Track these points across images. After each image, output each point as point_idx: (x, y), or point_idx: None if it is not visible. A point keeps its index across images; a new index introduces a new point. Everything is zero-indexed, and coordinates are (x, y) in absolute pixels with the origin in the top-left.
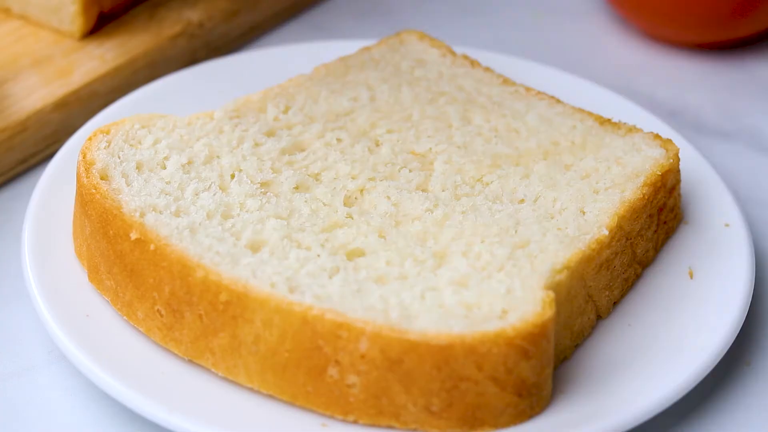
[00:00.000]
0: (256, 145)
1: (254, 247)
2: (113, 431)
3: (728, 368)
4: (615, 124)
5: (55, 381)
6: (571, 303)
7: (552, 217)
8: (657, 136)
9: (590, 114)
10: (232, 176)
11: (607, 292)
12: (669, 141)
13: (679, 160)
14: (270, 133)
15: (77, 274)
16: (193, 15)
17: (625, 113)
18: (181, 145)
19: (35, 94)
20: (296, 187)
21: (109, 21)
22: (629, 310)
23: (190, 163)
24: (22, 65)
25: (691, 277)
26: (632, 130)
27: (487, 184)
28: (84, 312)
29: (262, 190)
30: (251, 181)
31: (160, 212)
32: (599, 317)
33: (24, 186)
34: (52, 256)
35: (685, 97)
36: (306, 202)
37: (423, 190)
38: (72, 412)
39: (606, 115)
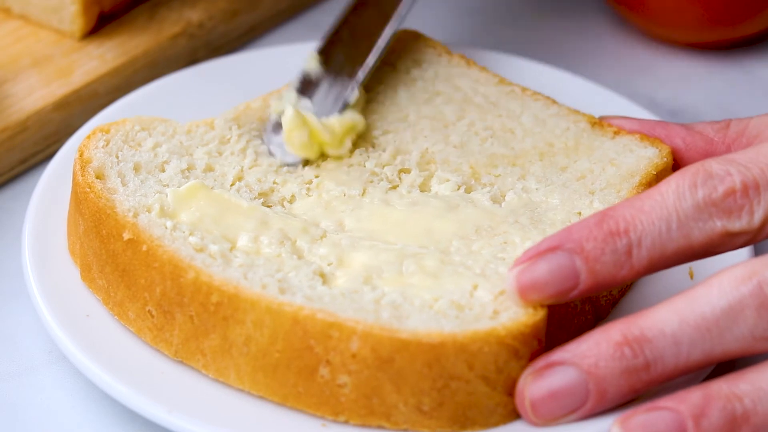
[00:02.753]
0: (256, 157)
1: (247, 251)
2: (113, 431)
3: (727, 368)
4: (603, 126)
5: (55, 381)
6: (566, 303)
7: (548, 219)
8: (644, 137)
9: (584, 115)
10: (232, 184)
11: (605, 293)
12: (658, 140)
13: (672, 158)
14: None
15: (77, 274)
16: (193, 15)
17: (625, 113)
18: (181, 151)
19: (35, 94)
20: (293, 196)
21: (109, 21)
22: (629, 310)
23: (189, 168)
24: (22, 65)
25: (692, 277)
26: (620, 132)
27: (484, 185)
28: (84, 312)
29: (261, 199)
30: (249, 191)
31: (153, 213)
32: (599, 318)
33: (24, 186)
34: (52, 256)
35: (685, 97)
36: (303, 211)
37: (420, 191)
38: (72, 412)
39: (606, 115)
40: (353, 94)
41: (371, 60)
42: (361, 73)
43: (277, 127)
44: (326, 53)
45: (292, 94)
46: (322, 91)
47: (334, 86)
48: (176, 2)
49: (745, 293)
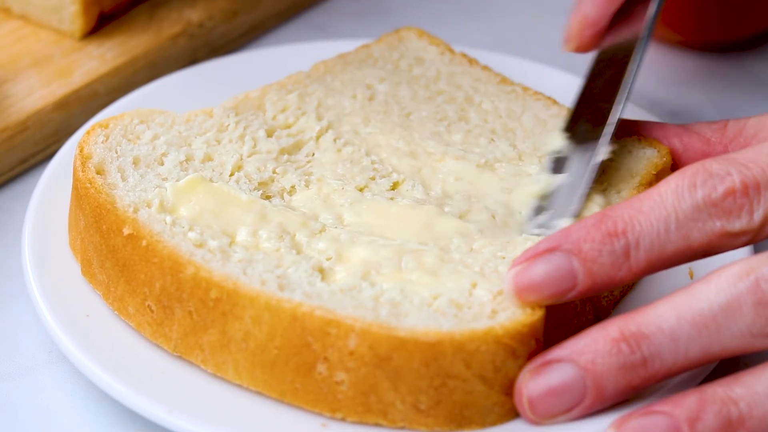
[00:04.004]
0: (255, 144)
1: (246, 246)
2: (113, 431)
3: (727, 369)
4: None
5: (55, 381)
6: (566, 304)
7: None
8: (642, 138)
9: None
10: (231, 174)
11: (606, 293)
12: (656, 141)
13: (671, 158)
14: (268, 132)
15: (77, 274)
16: (193, 15)
17: (625, 113)
18: (180, 141)
19: (35, 94)
20: (293, 187)
21: (109, 21)
22: (630, 311)
23: (188, 160)
24: (22, 65)
25: (692, 277)
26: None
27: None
28: (84, 312)
29: (260, 190)
30: (249, 181)
31: (153, 208)
32: (599, 319)
33: (24, 186)
34: (52, 256)
35: (685, 97)
36: (302, 203)
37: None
38: (72, 412)
39: None
40: (602, 153)
41: (614, 116)
42: (607, 131)
43: (538, 212)
44: (571, 129)
45: (544, 177)
46: (573, 162)
47: (584, 153)
48: (176, 2)
49: (742, 290)
